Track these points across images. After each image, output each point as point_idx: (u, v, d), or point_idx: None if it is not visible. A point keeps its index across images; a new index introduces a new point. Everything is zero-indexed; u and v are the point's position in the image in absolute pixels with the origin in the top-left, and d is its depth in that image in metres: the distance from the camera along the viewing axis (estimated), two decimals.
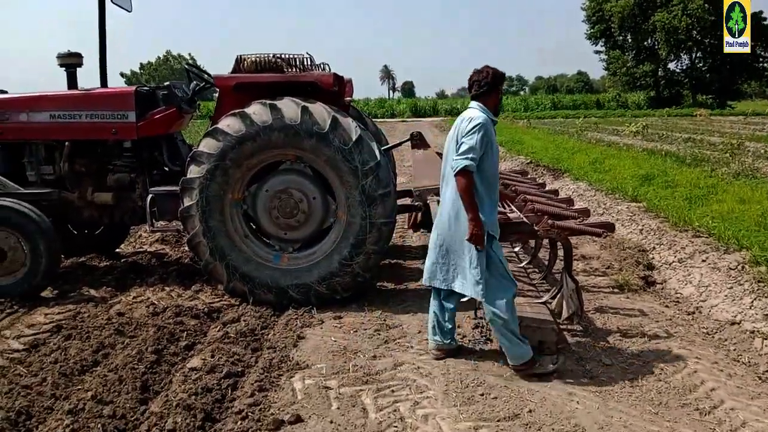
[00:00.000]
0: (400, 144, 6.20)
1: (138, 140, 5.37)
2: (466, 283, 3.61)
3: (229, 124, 4.59)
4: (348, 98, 5.44)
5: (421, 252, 6.42)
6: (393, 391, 3.41)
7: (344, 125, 4.57)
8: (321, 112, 4.59)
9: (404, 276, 5.64)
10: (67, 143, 5.31)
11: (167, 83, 5.44)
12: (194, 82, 5.61)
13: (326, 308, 4.71)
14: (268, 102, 4.56)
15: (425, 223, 6.90)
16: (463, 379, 3.53)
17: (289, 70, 4.91)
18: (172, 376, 3.61)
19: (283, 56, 4.89)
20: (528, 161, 13.38)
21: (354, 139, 4.53)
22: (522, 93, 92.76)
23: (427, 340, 4.07)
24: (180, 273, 5.75)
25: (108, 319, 4.48)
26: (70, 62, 5.38)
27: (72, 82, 5.44)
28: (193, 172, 4.64)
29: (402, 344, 4.07)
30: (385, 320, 4.50)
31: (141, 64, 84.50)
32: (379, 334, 4.22)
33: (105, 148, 5.45)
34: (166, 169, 5.59)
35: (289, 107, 4.56)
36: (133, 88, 5.29)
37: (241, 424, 3.02)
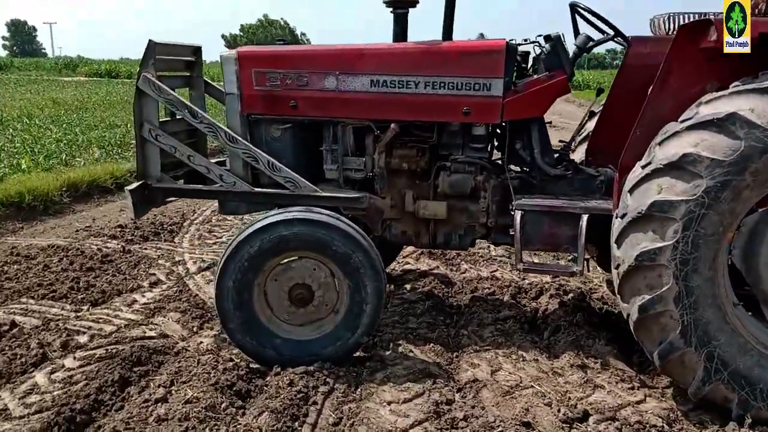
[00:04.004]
0: None
1: (499, 125, 3.46)
2: None
3: (753, 107, 2.54)
4: None
5: None
6: None
7: None
8: None
9: None
10: (392, 125, 3.46)
11: (553, 33, 3.43)
12: (581, 35, 3.59)
13: None
14: None
15: None
16: None
17: None
18: None
19: None
20: None
21: None
22: None
23: None
24: (521, 323, 3.85)
25: None
26: None
27: (401, 30, 3.56)
28: (674, 190, 2.63)
29: None
30: None
31: (241, 26, 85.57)
32: None
33: (445, 136, 3.57)
34: (526, 170, 3.66)
35: None
36: (503, 41, 3.34)
37: None
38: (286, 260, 3.19)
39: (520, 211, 3.33)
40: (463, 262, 5.18)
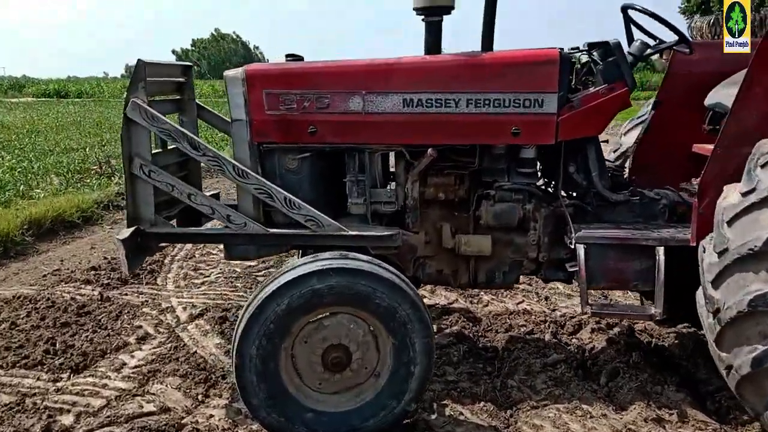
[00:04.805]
0: None
1: (552, 146, 3.02)
2: None
3: None
4: None
5: None
6: None
7: None
8: None
9: None
10: (429, 151, 2.98)
11: (612, 40, 3.01)
12: (636, 41, 3.18)
13: None
14: None
15: None
16: None
17: None
18: None
19: None
20: None
21: None
22: None
23: None
24: (573, 368, 3.40)
25: None
26: (437, 4, 3.02)
27: (434, 40, 3.09)
28: None
29: None
30: None
31: (193, 40, 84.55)
32: None
33: (488, 160, 3.11)
34: (575, 196, 3.23)
35: None
36: (556, 50, 2.91)
37: None
38: (316, 317, 2.67)
39: (582, 245, 2.89)
40: (483, 294, 4.72)
